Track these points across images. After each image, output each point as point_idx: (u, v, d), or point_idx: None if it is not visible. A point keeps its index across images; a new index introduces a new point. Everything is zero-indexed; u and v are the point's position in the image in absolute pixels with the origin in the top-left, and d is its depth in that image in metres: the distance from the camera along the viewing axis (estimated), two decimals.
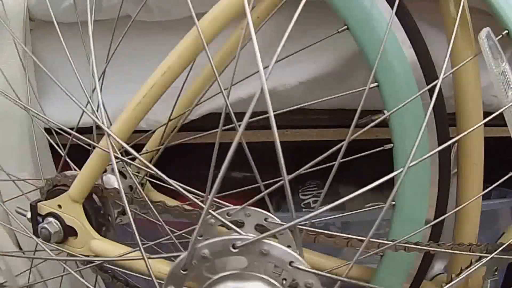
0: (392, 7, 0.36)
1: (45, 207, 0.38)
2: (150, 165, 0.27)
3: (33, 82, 0.54)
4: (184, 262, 0.25)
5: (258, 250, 0.25)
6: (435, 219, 0.43)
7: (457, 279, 0.40)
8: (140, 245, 0.26)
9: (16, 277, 0.52)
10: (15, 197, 0.47)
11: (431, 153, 0.34)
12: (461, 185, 0.43)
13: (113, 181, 0.47)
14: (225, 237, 0.26)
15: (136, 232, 0.26)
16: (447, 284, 0.41)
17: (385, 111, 0.39)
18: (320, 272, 0.29)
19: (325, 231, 0.35)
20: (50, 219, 0.37)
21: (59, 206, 0.37)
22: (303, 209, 0.57)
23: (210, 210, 0.25)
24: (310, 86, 0.44)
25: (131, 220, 0.27)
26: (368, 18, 0.37)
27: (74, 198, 0.36)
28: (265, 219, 0.36)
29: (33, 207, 0.39)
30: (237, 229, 0.27)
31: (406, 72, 0.38)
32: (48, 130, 0.54)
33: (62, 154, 0.45)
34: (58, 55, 0.54)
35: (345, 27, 0.38)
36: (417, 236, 0.42)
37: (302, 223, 0.26)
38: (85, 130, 0.50)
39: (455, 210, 0.39)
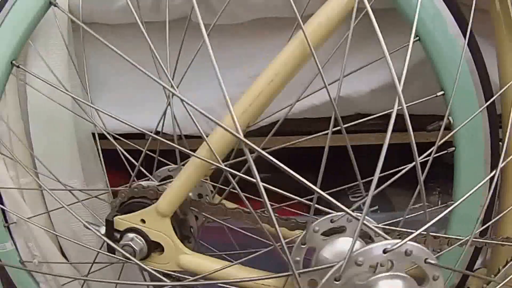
0: (464, 36, 0.38)
1: (124, 222, 0.33)
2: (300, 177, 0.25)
3: (79, 89, 0.48)
4: (340, 271, 0.24)
5: (403, 251, 0.25)
6: (485, 217, 0.46)
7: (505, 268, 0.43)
8: (294, 269, 0.24)
9: (62, 286, 0.47)
10: (60, 207, 0.41)
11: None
12: (504, 184, 0.43)
13: None
14: (378, 244, 0.25)
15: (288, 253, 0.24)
16: (495, 275, 0.43)
17: (449, 117, 0.41)
18: (451, 268, 0.30)
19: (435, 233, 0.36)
20: (131, 235, 0.32)
21: (143, 220, 0.33)
22: (354, 212, 0.56)
23: (365, 222, 0.24)
24: (379, 93, 0.43)
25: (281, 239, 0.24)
26: (439, 32, 0.39)
27: (162, 213, 0.32)
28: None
29: (109, 222, 0.34)
30: (386, 236, 0.26)
31: (468, 82, 0.41)
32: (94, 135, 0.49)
33: (125, 161, 0.40)
34: (98, 57, 0.49)
35: (417, 38, 0.40)
36: (469, 232, 0.44)
37: None
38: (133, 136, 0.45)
39: (508, 210, 0.42)
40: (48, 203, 0.47)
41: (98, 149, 0.43)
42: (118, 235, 0.33)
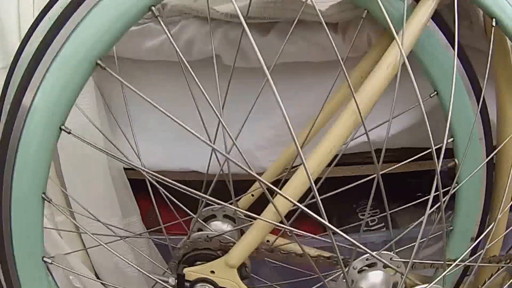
0: (478, 103, 0.44)
1: (194, 274, 0.36)
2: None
3: (107, 125, 0.50)
4: None
5: None
6: (478, 236, 0.55)
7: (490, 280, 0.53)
8: None
9: None
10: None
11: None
12: (495, 209, 0.51)
13: (219, 227, 0.47)
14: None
15: None
16: (482, 285, 0.54)
17: (455, 160, 0.47)
18: None
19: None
20: (202, 285, 0.36)
21: (212, 271, 0.36)
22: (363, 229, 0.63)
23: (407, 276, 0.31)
24: (394, 137, 0.50)
25: None
26: (456, 89, 0.45)
27: (231, 265, 0.35)
28: (391, 259, 0.43)
29: (181, 276, 0.36)
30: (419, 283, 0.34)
31: (475, 131, 0.46)
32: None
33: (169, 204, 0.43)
34: (120, 92, 0.48)
35: (435, 92, 0.45)
36: (464, 251, 0.50)
37: None
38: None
39: (506, 232, 0.51)
40: (85, 239, 0.50)
41: (149, 188, 0.44)
42: (188, 285, 0.38)
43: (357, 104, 0.34)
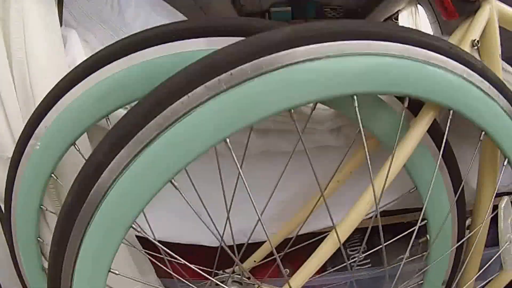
0: (456, 193, 0.51)
1: None
2: None
3: None
4: None
5: None
6: (450, 278, 0.63)
7: None
8: None
9: None
10: None
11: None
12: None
13: None
14: None
15: None
16: None
17: (427, 236, 0.54)
18: None
19: None
20: None
21: None
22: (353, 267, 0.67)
23: None
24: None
25: None
26: (433, 189, 0.49)
27: None
28: None
29: None
30: None
31: (447, 214, 0.52)
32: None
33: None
34: None
35: (415, 188, 0.52)
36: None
37: None
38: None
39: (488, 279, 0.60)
40: None
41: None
42: None
43: (338, 237, 0.44)
